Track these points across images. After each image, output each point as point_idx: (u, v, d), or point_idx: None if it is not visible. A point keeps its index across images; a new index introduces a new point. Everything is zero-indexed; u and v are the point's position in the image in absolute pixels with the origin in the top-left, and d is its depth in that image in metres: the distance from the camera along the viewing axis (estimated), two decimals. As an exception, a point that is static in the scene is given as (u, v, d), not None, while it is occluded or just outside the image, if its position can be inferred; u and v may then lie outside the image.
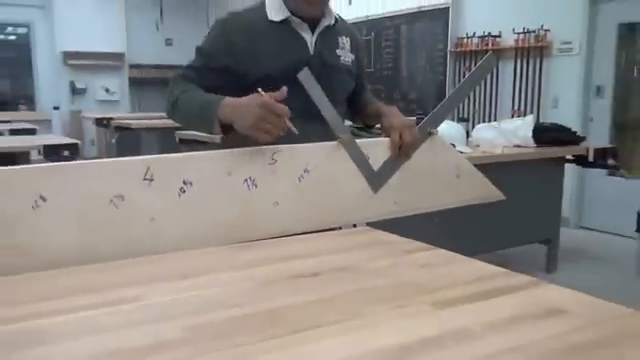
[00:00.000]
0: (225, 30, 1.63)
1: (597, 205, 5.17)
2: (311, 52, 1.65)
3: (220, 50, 1.61)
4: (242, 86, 1.49)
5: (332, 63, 1.69)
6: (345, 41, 1.74)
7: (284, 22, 1.63)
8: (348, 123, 1.83)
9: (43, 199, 1.11)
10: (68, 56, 9.61)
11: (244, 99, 1.39)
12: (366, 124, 1.90)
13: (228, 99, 1.45)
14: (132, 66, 10.23)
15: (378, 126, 1.72)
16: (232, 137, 1.45)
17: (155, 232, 1.21)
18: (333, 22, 1.71)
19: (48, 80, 9.73)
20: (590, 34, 5.11)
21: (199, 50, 1.66)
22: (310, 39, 1.66)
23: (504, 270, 1.07)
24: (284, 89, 1.34)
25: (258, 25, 1.62)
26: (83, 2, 9.58)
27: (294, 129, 1.35)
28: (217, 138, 1.66)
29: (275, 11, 1.64)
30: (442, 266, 1.12)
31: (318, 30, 1.67)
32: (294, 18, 1.64)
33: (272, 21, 1.63)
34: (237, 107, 1.40)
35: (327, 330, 0.79)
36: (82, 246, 1.14)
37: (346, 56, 1.73)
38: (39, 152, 4.14)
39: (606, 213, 5.04)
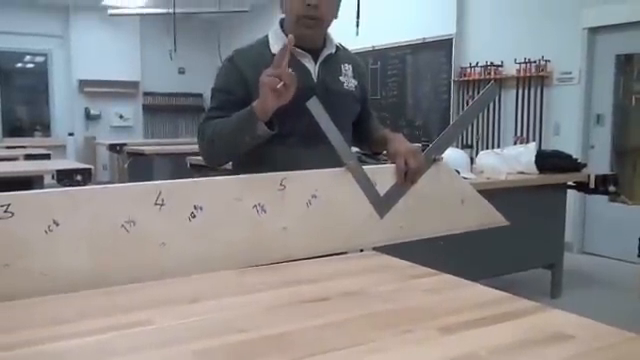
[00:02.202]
0: (234, 65, 1.69)
1: (599, 231, 5.17)
2: (315, 80, 1.70)
3: (232, 83, 1.67)
4: None
5: (336, 89, 1.72)
6: (347, 68, 1.78)
7: None
8: (355, 149, 1.86)
9: (56, 223, 1.13)
10: (84, 84, 9.77)
11: None
12: (373, 151, 1.93)
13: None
14: (146, 94, 10.42)
15: (385, 153, 1.74)
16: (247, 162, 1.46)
17: (166, 256, 1.22)
18: (334, 50, 1.76)
19: (64, 107, 9.88)
20: (589, 65, 5.19)
21: (214, 90, 1.71)
22: (313, 68, 1.71)
23: (509, 295, 1.08)
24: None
25: (263, 58, 1.65)
26: (100, 32, 9.77)
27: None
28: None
29: (278, 44, 1.67)
30: (448, 291, 1.13)
31: (320, 59, 1.72)
32: (297, 49, 1.67)
33: (275, 54, 1.67)
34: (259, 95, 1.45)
35: (335, 355, 0.80)
36: (94, 270, 1.15)
37: (349, 82, 1.77)
38: (52, 177, 4.14)
39: (608, 238, 5.04)
